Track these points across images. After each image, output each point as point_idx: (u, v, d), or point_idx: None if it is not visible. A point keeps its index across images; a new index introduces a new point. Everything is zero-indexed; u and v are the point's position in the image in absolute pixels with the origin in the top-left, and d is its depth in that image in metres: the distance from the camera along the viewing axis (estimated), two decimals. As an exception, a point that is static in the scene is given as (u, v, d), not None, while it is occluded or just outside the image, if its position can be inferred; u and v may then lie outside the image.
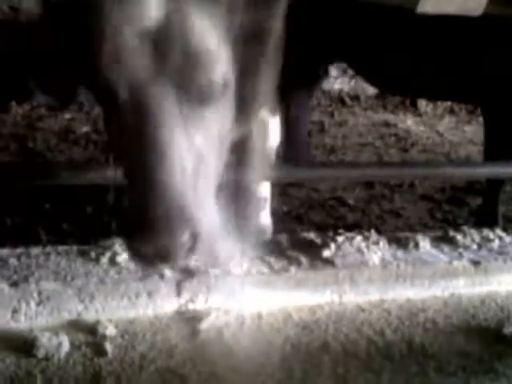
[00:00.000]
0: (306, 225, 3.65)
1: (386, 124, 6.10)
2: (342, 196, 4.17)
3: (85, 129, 5.06)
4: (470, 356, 2.02)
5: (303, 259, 2.18)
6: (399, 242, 2.40)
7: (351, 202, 4.13)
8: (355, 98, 6.63)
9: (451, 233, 2.51)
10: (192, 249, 1.42)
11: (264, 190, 2.97)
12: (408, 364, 1.95)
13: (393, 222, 4.01)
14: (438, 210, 4.14)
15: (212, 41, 1.52)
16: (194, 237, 1.41)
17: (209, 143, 1.55)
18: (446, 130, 6.23)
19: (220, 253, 1.64)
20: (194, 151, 1.48)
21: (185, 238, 1.39)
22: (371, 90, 6.77)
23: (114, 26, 1.46)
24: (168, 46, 1.47)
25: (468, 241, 2.47)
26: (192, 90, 1.49)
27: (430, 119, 6.47)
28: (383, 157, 5.21)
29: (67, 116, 5.28)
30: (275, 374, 1.84)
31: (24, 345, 1.77)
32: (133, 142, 1.45)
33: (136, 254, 1.43)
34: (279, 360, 1.90)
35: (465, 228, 2.60)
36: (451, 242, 2.45)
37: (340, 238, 2.34)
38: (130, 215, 1.44)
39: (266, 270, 2.11)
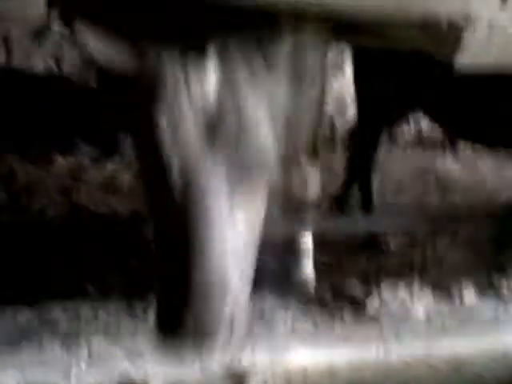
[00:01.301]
0: (346, 274, 3.64)
1: (425, 169, 6.08)
2: (382, 242, 4.14)
3: (128, 179, 5.15)
4: (518, 412, 1.99)
5: (347, 314, 2.19)
6: (443, 294, 2.39)
7: (392, 248, 4.10)
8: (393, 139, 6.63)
9: (496, 283, 2.49)
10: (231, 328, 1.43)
11: (306, 240, 3.00)
12: (456, 421, 1.93)
13: (436, 269, 3.97)
14: (482, 255, 4.09)
15: (261, 114, 1.58)
16: (233, 313, 1.42)
17: (250, 223, 1.58)
18: (487, 171, 6.17)
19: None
20: (238, 227, 1.51)
21: (226, 313, 1.41)
22: (408, 131, 6.77)
23: (174, 106, 1.52)
24: (223, 120, 1.53)
25: (513, 291, 2.45)
26: (241, 162, 1.53)
27: (469, 160, 6.42)
28: (422, 200, 5.17)
29: (110, 167, 5.39)
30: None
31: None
32: (179, 217, 1.49)
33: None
34: (325, 416, 1.90)
35: (510, 279, 2.57)
36: (496, 293, 2.43)
37: (383, 291, 2.35)
38: (169, 288, 1.46)
39: (310, 326, 2.12)
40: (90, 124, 5.34)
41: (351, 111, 6.86)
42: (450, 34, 1.49)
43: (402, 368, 2.14)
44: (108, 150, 5.54)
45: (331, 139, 6.66)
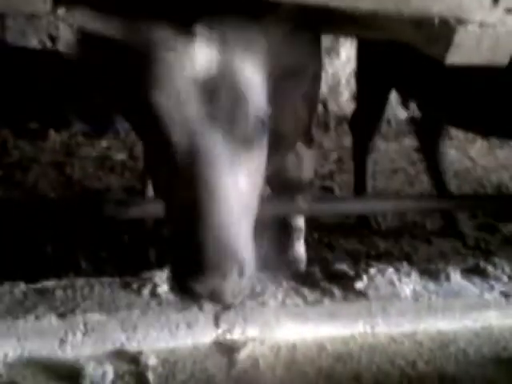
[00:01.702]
0: (337, 253, 3.71)
1: (418, 149, 6.13)
2: (374, 222, 4.20)
3: (121, 156, 5.19)
4: (501, 387, 2.06)
5: (336, 291, 2.25)
6: (430, 274, 2.45)
7: (383, 229, 4.16)
8: (386, 122, 6.68)
9: (482, 264, 2.55)
10: (239, 287, 1.51)
11: (299, 220, 3.05)
12: (440, 395, 2.00)
13: (425, 249, 4.04)
14: (469, 237, 4.15)
15: (257, 82, 1.64)
16: (241, 275, 1.51)
17: (251, 181, 1.66)
18: (478, 154, 6.22)
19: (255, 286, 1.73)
20: (239, 190, 1.59)
21: (235, 277, 1.49)
22: (402, 115, 6.82)
23: (168, 72, 1.58)
24: (218, 92, 1.59)
25: (499, 272, 2.51)
26: (239, 130, 1.59)
27: (461, 143, 6.47)
28: (414, 183, 5.23)
29: (104, 144, 5.42)
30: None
31: (71, 374, 1.86)
32: (183, 182, 1.56)
33: (187, 293, 1.53)
34: (313, 389, 1.96)
35: (495, 259, 2.63)
36: (482, 273, 2.49)
37: (372, 270, 2.40)
38: (180, 255, 1.53)
39: (300, 301, 2.17)
40: (83, 101, 5.35)
41: (345, 94, 6.91)
42: (442, 33, 1.54)
43: (389, 344, 2.21)
44: (101, 126, 5.56)
45: (324, 121, 6.70)
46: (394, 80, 3.72)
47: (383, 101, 3.98)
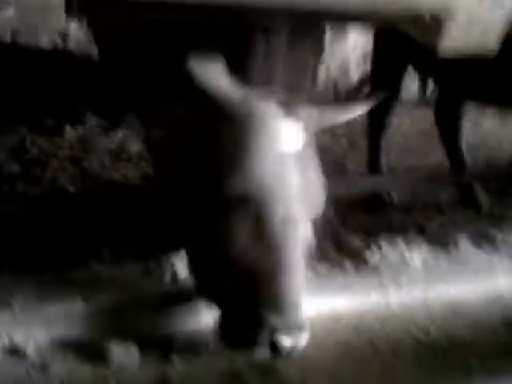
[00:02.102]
0: (351, 227, 3.75)
1: (428, 119, 6.12)
2: (387, 195, 4.20)
3: (137, 147, 5.25)
4: (510, 347, 2.13)
5: (348, 265, 2.33)
6: (440, 243, 2.52)
7: (396, 202, 4.18)
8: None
9: (491, 231, 2.62)
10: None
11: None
12: (453, 360, 2.07)
13: (438, 219, 4.06)
14: (483, 205, 4.15)
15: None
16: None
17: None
18: (491, 125, 6.20)
19: None
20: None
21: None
22: (413, 88, 6.79)
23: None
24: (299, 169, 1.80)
25: (508, 238, 2.58)
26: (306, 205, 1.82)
27: (473, 115, 6.44)
28: (429, 156, 5.22)
29: (119, 135, 5.48)
30: (329, 373, 1.98)
31: (98, 354, 1.96)
32: (268, 251, 1.77)
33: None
34: (331, 361, 2.04)
35: (504, 225, 2.70)
36: (491, 240, 2.57)
37: (383, 243, 2.48)
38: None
39: (313, 277, 2.25)
40: (97, 95, 5.42)
41: (354, 75, 6.91)
42: (433, 24, 1.62)
43: (402, 312, 2.29)
44: (116, 118, 5.64)
45: (335, 101, 6.71)
46: (411, 55, 3.75)
47: (399, 77, 4.02)
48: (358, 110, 2.09)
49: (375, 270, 2.34)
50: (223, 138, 1.80)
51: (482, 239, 2.55)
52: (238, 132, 1.78)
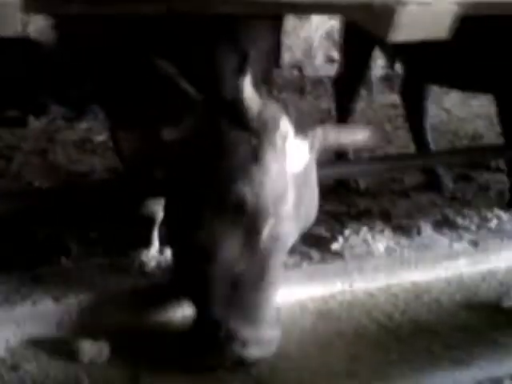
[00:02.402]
0: (318, 214, 3.80)
1: (393, 106, 6.20)
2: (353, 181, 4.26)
3: (101, 138, 5.23)
4: (472, 330, 2.21)
5: (314, 254, 2.38)
6: (403, 229, 2.59)
7: (362, 188, 4.25)
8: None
9: (452, 216, 2.69)
10: None
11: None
12: (414, 342, 2.14)
13: (403, 204, 4.13)
14: (447, 188, 4.24)
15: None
16: None
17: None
18: (453, 106, 6.29)
19: None
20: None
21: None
22: (377, 73, 6.85)
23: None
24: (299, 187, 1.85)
25: (467, 222, 2.66)
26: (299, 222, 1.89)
27: (435, 95, 6.52)
28: (392, 140, 5.30)
29: (84, 126, 5.45)
30: (295, 358, 2.04)
31: (70, 352, 1.99)
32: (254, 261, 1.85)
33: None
34: (297, 346, 2.10)
35: (465, 210, 2.78)
36: (452, 225, 2.64)
37: (347, 231, 2.54)
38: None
39: (280, 266, 2.30)
40: (60, 85, 5.37)
41: (319, 57, 6.94)
42: (384, 14, 1.65)
43: (366, 298, 2.35)
44: (79, 109, 5.60)
45: (300, 86, 6.75)
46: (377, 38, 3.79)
47: (367, 61, 4.07)
48: (361, 134, 2.15)
49: (340, 257, 2.39)
50: (233, 145, 1.82)
51: (444, 224, 2.63)
52: (250, 141, 1.81)
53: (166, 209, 2.08)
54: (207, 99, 1.90)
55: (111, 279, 2.20)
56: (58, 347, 2.01)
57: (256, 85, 1.83)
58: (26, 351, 2.00)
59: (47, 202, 2.66)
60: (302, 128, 1.89)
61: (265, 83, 2.02)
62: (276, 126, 1.83)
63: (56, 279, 2.19)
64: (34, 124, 5.49)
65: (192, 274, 1.92)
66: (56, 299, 2.07)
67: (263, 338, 1.87)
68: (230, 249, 1.82)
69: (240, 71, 1.77)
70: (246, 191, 1.76)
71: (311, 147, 1.91)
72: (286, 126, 1.85)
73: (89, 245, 3.28)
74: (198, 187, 1.83)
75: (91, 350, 1.96)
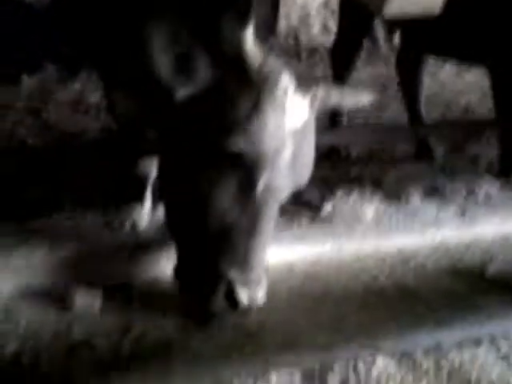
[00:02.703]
0: (309, 180, 3.83)
1: (387, 76, 6.20)
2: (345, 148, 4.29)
3: (95, 98, 5.22)
4: (455, 294, 2.27)
5: (304, 217, 2.43)
6: (392, 197, 2.63)
7: (354, 154, 4.27)
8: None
9: (440, 185, 2.74)
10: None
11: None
12: (399, 303, 2.20)
13: (393, 172, 4.17)
14: (438, 159, 4.28)
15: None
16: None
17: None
18: (447, 78, 6.30)
19: None
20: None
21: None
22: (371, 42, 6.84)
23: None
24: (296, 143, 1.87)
25: (455, 192, 2.71)
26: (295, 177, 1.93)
27: (431, 67, 6.53)
28: (385, 109, 5.32)
29: (77, 86, 5.44)
30: (283, 315, 2.09)
31: (62, 302, 2.03)
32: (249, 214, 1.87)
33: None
34: (286, 305, 2.15)
35: (454, 180, 2.82)
36: (440, 194, 2.69)
37: (337, 196, 2.58)
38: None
39: (270, 227, 2.34)
40: (54, 44, 5.34)
41: (316, 25, 6.92)
42: None
43: (353, 262, 2.40)
44: (73, 68, 5.57)
45: (296, 53, 6.74)
46: None
47: (365, 30, 4.08)
48: (364, 98, 2.17)
49: (329, 221, 2.44)
50: (234, 96, 1.83)
51: (433, 193, 2.67)
52: (250, 94, 1.82)
53: (161, 162, 2.11)
54: (209, 53, 1.91)
55: (104, 234, 2.23)
56: (52, 296, 2.05)
57: (258, 38, 1.84)
58: (20, 300, 2.05)
59: (41, 160, 2.69)
60: (303, 85, 1.91)
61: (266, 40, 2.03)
62: (277, 80, 1.84)
63: (50, 232, 2.23)
64: (28, 82, 5.48)
65: (185, 222, 1.96)
66: (50, 250, 2.11)
67: (253, 284, 1.91)
68: (225, 198, 1.86)
69: (242, 23, 1.78)
70: (244, 143, 1.80)
71: (312, 105, 1.94)
72: (287, 80, 1.86)
73: (82, 202, 3.32)
74: (196, 138, 1.86)
75: (84, 299, 2.01)
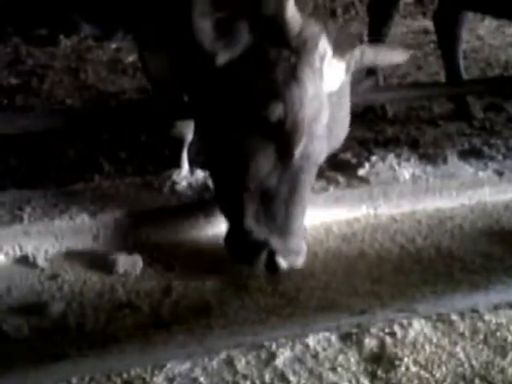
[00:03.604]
0: (345, 140, 3.83)
1: (425, 31, 6.08)
2: (381, 109, 4.26)
3: (131, 58, 5.24)
4: (492, 257, 2.27)
5: (340, 178, 2.44)
6: (429, 157, 2.62)
7: (389, 115, 4.25)
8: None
9: (478, 145, 2.71)
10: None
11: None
12: (436, 266, 2.21)
13: (431, 132, 4.13)
14: (476, 118, 4.22)
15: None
16: None
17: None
18: (486, 33, 6.15)
19: None
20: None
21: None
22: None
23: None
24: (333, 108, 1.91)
25: (493, 152, 2.68)
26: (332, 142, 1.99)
27: (470, 23, 6.38)
28: (422, 66, 5.24)
29: (114, 46, 5.46)
30: (320, 278, 2.12)
31: (105, 264, 2.10)
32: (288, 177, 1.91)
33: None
34: (322, 267, 2.18)
35: (492, 140, 2.79)
36: (478, 154, 2.66)
37: (374, 157, 2.58)
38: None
39: (307, 190, 2.36)
40: (90, 5, 5.36)
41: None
42: None
43: (390, 223, 2.42)
44: (110, 28, 5.59)
45: (331, 8, 6.63)
46: None
47: None
48: (399, 57, 2.14)
49: (366, 182, 2.45)
50: (272, 61, 1.85)
51: (471, 153, 2.65)
52: (289, 60, 1.84)
53: (200, 127, 2.13)
54: (250, 18, 1.91)
55: (144, 196, 2.28)
56: (95, 259, 2.12)
57: (298, 4, 1.84)
58: (65, 262, 2.11)
59: (80, 121, 2.73)
60: (340, 48, 1.91)
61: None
62: (315, 46, 1.85)
63: (91, 195, 2.28)
64: (65, 43, 5.52)
65: (227, 188, 2.00)
66: (92, 214, 2.16)
67: (292, 249, 1.96)
68: (264, 164, 1.88)
69: None
70: (283, 108, 1.80)
71: (348, 68, 1.93)
72: (324, 45, 1.87)
73: (120, 164, 3.37)
74: (236, 105, 1.87)
75: (126, 262, 2.07)
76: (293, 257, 1.96)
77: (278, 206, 1.92)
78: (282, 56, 1.84)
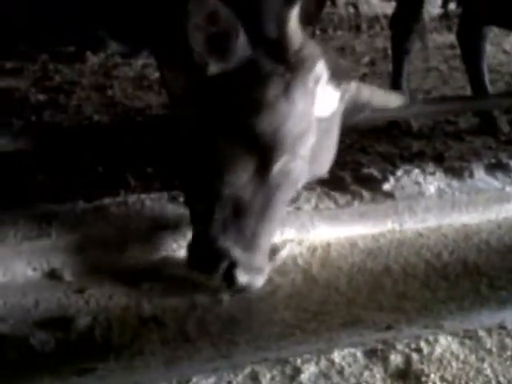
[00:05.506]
0: (370, 156, 3.82)
1: (451, 46, 6.06)
2: (406, 124, 4.25)
3: (157, 74, 5.30)
4: (519, 272, 2.24)
5: (365, 193, 2.43)
6: (455, 172, 2.60)
7: (414, 130, 4.23)
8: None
9: (504, 159, 2.69)
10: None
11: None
12: (462, 281, 2.19)
13: (457, 146, 4.11)
14: (503, 132, 4.19)
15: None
16: None
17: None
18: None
19: None
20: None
21: None
22: (436, 11, 6.70)
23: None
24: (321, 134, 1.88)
25: (522, 167, 2.66)
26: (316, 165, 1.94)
27: (495, 37, 6.36)
28: (448, 81, 5.22)
29: (140, 63, 5.53)
30: (345, 293, 2.12)
31: (132, 278, 2.11)
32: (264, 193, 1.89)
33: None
34: (347, 282, 2.18)
35: (519, 154, 2.77)
36: (505, 168, 2.64)
37: (399, 172, 2.57)
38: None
39: (332, 205, 2.36)
40: (117, 22, 5.43)
41: (375, -2, 6.78)
42: None
43: (416, 238, 2.40)
44: (136, 45, 5.66)
45: (356, 24, 6.66)
46: None
47: None
48: (393, 101, 2.14)
49: (391, 197, 2.44)
50: (266, 75, 1.83)
51: (497, 167, 2.63)
52: (283, 76, 1.82)
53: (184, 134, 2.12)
54: (248, 32, 1.88)
55: (170, 211, 2.29)
56: (121, 273, 2.14)
57: (301, 20, 1.83)
58: (91, 277, 2.13)
59: (107, 137, 2.76)
60: (337, 77, 1.90)
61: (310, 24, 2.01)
62: (312, 66, 1.83)
63: (117, 210, 2.30)
64: (92, 60, 5.60)
65: (199, 192, 1.97)
66: (119, 229, 2.18)
67: (254, 266, 1.91)
68: (241, 174, 1.86)
69: (288, 3, 1.77)
70: (267, 123, 1.80)
71: (342, 98, 1.92)
72: (321, 68, 1.85)
73: (146, 179, 3.40)
74: (222, 111, 1.86)
75: (152, 276, 2.08)
76: (253, 274, 1.91)
77: (247, 220, 1.88)
78: (276, 70, 1.83)
